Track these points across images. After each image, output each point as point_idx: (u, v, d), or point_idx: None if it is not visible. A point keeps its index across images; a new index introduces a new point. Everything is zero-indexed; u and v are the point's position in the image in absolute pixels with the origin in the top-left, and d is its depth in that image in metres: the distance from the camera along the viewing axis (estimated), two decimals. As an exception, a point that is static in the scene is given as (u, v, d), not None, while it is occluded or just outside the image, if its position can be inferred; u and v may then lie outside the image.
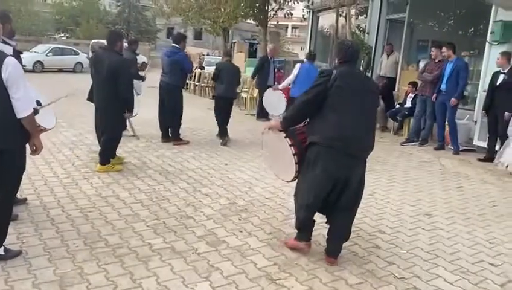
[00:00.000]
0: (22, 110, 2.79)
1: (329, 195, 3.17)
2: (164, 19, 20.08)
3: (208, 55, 25.92)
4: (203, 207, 4.21)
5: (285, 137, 3.27)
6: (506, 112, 6.45)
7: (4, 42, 3.18)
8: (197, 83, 14.42)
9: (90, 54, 21.80)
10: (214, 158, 6.13)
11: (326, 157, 3.04)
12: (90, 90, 5.52)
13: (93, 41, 25.32)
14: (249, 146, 7.06)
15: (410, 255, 3.49)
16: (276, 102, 8.46)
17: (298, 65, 8.76)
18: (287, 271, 3.08)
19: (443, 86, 7.44)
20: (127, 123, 6.55)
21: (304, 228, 3.32)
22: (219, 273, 2.98)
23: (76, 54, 22.39)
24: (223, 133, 7.39)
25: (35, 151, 3.04)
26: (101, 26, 35.71)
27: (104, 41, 5.55)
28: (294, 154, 3.22)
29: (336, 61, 3.36)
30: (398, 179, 5.70)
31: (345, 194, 3.14)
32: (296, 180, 3.36)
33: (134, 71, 6.82)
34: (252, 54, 18.61)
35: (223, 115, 7.45)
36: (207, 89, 13.84)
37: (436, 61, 7.78)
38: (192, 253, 3.24)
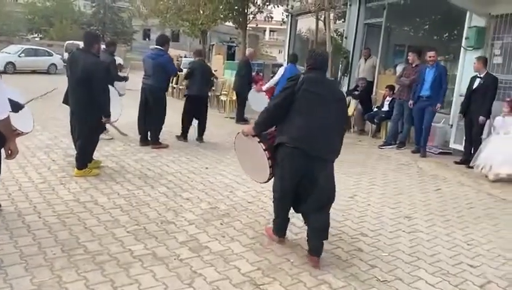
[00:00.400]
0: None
1: (299, 194, 3.34)
2: (141, 20, 19.83)
3: (185, 57, 25.75)
4: (184, 212, 4.15)
5: (259, 142, 3.42)
6: (480, 116, 6.61)
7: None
8: (174, 86, 14.28)
9: (65, 55, 21.42)
10: (194, 162, 6.07)
11: (291, 157, 3.22)
12: (65, 93, 5.38)
13: (67, 42, 24.86)
14: (230, 150, 7.00)
15: (392, 257, 3.52)
16: (260, 100, 8.72)
17: (282, 67, 9.03)
18: (271, 276, 3.06)
19: (425, 92, 7.38)
20: (107, 126, 6.44)
21: (279, 231, 3.55)
22: (202, 280, 2.93)
23: (50, 55, 21.89)
24: (200, 132, 7.52)
25: (11, 155, 2.93)
26: (76, 27, 35.08)
27: (79, 43, 5.43)
28: (268, 158, 3.38)
29: (306, 67, 3.51)
30: (378, 182, 5.77)
31: (315, 194, 3.26)
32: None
33: (114, 73, 6.70)
34: (230, 56, 18.56)
35: (198, 115, 7.48)
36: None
37: (413, 65, 7.91)
38: (175, 259, 3.19)
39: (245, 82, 9.96)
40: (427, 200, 5.14)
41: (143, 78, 6.86)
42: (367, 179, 5.88)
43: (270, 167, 3.40)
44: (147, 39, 42.18)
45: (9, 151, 2.92)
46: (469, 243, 3.93)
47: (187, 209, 4.21)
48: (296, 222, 4.04)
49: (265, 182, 3.64)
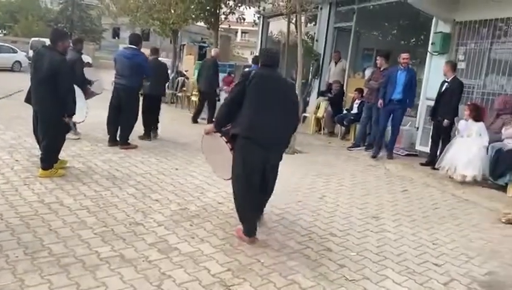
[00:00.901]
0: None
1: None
2: (110, 18, 19.44)
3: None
4: (153, 213, 4.09)
5: (221, 136, 3.69)
6: (445, 120, 6.81)
7: None
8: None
9: (30, 53, 20.77)
10: (163, 163, 5.99)
11: (245, 147, 3.46)
12: (28, 91, 5.19)
13: (33, 39, 24.17)
14: (200, 150, 6.94)
15: (360, 257, 3.58)
16: None
17: (251, 69, 9.15)
18: (241, 277, 3.05)
19: (397, 96, 7.26)
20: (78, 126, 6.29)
21: (246, 221, 3.61)
22: (171, 281, 2.89)
23: (15, 52, 21.22)
24: (154, 130, 7.58)
25: None
26: (42, 23, 34.11)
27: (46, 40, 5.28)
28: (231, 149, 3.62)
29: (259, 64, 3.84)
30: (347, 183, 5.86)
31: (262, 181, 3.55)
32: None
33: (80, 72, 6.52)
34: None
35: (148, 114, 7.52)
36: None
37: (382, 69, 8.07)
38: (143, 261, 3.13)
39: (214, 82, 9.95)
40: (394, 200, 5.26)
41: (116, 78, 6.71)
42: (336, 180, 5.96)
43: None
44: (117, 38, 41.33)
45: None
46: (434, 243, 4.04)
47: (156, 211, 4.15)
48: (267, 222, 4.07)
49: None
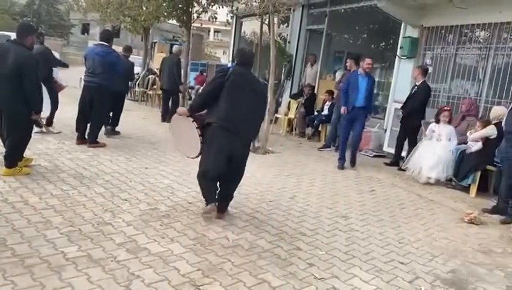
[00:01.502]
0: None
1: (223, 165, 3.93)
2: (80, 13, 19.00)
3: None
4: (122, 213, 4.02)
5: (193, 121, 4.04)
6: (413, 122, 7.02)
7: None
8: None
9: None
10: (133, 162, 5.90)
11: (219, 134, 3.88)
12: None
13: (-3, 32, 23.28)
14: (170, 150, 6.91)
15: (329, 256, 3.63)
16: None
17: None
18: (211, 276, 3.04)
19: (360, 103, 6.88)
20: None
21: (209, 194, 3.99)
22: (140, 281, 2.85)
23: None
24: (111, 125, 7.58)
25: None
26: (7, 17, 32.95)
27: (11, 34, 5.12)
28: (200, 135, 4.00)
29: (235, 62, 4.24)
30: (317, 183, 5.93)
31: (231, 168, 3.98)
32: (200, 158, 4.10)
33: (53, 58, 6.43)
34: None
35: (112, 109, 7.44)
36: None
37: (351, 71, 8.20)
38: (111, 261, 3.08)
39: (176, 80, 9.93)
40: (362, 200, 5.36)
41: (87, 75, 6.54)
42: (307, 180, 6.02)
43: (201, 143, 4.01)
44: (86, 34, 40.48)
45: None
46: (400, 242, 4.14)
47: (125, 210, 4.09)
48: (238, 222, 4.08)
49: (196, 157, 4.14)
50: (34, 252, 3.05)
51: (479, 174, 6.05)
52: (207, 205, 3.96)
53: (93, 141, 6.49)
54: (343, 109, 7.07)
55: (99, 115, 6.56)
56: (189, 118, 4.07)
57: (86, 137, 6.54)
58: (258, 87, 4.25)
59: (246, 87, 3.98)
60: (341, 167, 7.02)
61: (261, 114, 4.31)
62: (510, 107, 5.31)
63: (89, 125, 6.56)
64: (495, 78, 7.17)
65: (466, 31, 7.62)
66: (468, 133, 6.30)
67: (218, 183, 4.05)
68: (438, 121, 6.58)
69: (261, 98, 4.25)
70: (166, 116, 9.81)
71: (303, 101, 10.03)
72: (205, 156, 3.99)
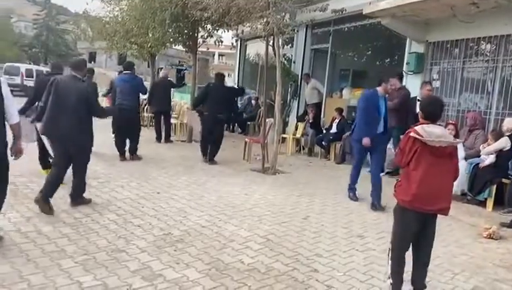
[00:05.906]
0: None
1: None
2: (87, 42, 19.33)
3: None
4: (136, 239, 3.99)
5: (195, 112, 7.94)
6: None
7: None
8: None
9: (2, 78, 20.35)
10: (144, 187, 5.89)
11: (203, 117, 7.99)
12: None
13: (6, 64, 23.77)
14: (182, 173, 6.90)
15: (347, 277, 3.55)
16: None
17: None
18: (229, 302, 2.98)
19: (381, 128, 5.85)
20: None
21: (204, 150, 7.93)
22: (157, 310, 2.81)
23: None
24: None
25: None
26: (16, 49, 33.66)
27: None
28: (198, 116, 7.42)
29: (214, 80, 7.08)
30: (330, 202, 5.86)
31: (211, 137, 7.96)
32: None
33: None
34: (179, 79, 18.45)
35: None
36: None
37: (397, 89, 7.92)
38: (127, 289, 3.03)
39: (169, 101, 10.65)
40: (378, 219, 5.28)
41: (121, 100, 7.64)
42: (319, 199, 5.96)
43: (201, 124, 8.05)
44: (93, 62, 41.14)
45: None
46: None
47: (139, 237, 4.05)
48: (252, 245, 4.02)
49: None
50: (50, 282, 3.02)
51: (494, 187, 5.95)
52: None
53: (135, 153, 7.71)
54: (365, 141, 5.70)
55: (135, 130, 7.84)
56: (193, 111, 7.85)
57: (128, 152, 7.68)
58: (226, 91, 8.29)
59: (218, 92, 7.83)
60: (354, 197, 6.06)
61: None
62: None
63: (129, 140, 7.71)
64: (504, 90, 7.13)
65: (472, 44, 7.61)
66: (481, 147, 6.22)
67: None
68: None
69: (228, 98, 8.49)
70: (169, 136, 10.27)
71: (310, 120, 10.03)
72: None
